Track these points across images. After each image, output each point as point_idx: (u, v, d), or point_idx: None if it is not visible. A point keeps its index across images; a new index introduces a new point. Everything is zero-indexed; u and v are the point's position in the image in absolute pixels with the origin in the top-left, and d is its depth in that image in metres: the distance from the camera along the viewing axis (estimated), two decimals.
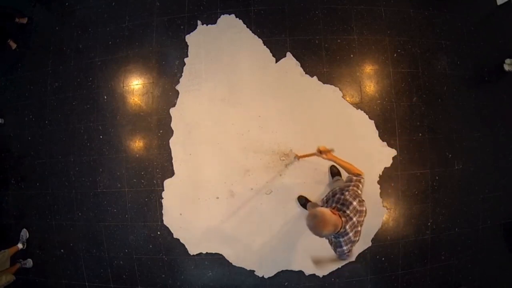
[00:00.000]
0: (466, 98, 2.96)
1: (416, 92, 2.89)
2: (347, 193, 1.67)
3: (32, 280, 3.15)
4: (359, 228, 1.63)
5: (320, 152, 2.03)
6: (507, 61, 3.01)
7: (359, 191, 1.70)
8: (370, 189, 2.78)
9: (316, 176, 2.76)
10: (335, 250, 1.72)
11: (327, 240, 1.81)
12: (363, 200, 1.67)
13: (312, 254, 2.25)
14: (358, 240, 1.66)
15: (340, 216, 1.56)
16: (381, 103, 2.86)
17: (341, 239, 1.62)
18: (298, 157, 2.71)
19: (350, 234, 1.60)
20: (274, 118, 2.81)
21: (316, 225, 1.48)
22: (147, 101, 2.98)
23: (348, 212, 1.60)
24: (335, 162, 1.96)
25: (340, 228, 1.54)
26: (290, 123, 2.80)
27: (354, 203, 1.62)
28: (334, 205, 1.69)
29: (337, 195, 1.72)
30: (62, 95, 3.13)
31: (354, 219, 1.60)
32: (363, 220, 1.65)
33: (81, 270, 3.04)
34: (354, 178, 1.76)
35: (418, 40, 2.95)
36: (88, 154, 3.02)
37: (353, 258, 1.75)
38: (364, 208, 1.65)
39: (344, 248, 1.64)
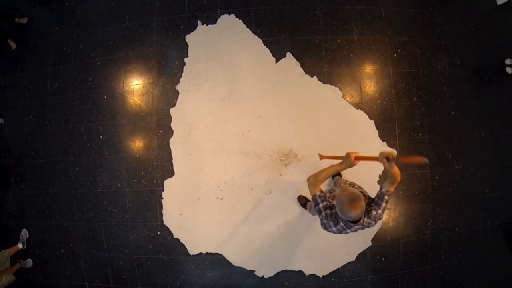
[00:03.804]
0: (466, 98, 2.96)
1: (416, 92, 2.89)
2: (374, 212, 1.62)
3: (32, 280, 3.15)
4: (352, 230, 1.63)
5: (387, 160, 1.59)
6: (507, 61, 3.01)
7: (383, 214, 1.67)
8: (370, 189, 2.76)
9: None
10: (322, 223, 1.68)
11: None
12: (380, 219, 1.66)
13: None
14: (338, 233, 1.68)
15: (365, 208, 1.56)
16: (381, 103, 2.86)
17: (340, 221, 1.61)
18: (321, 157, 2.36)
19: (346, 232, 1.63)
20: (274, 118, 2.81)
21: (349, 203, 1.46)
22: (147, 101, 2.98)
23: (365, 220, 1.59)
24: (392, 173, 1.60)
25: (360, 218, 1.54)
26: (290, 123, 2.80)
27: (373, 222, 1.63)
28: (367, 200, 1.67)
29: (369, 201, 1.68)
30: (62, 95, 3.13)
31: (359, 227, 1.61)
32: (359, 228, 1.64)
33: (81, 270, 3.04)
34: (387, 196, 1.63)
35: (418, 40, 2.95)
36: (88, 154, 3.02)
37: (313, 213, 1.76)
38: (373, 223, 1.64)
39: (329, 230, 1.66)
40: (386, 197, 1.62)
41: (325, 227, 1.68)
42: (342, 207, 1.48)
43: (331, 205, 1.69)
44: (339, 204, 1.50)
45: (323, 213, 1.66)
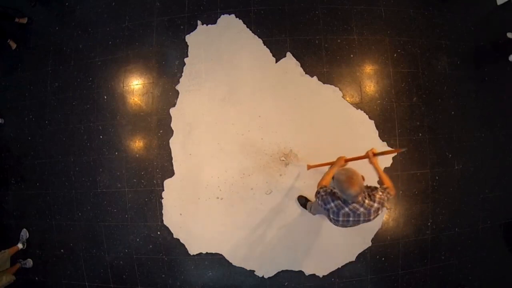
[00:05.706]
0: (466, 98, 2.96)
1: (416, 92, 2.89)
2: (380, 193, 1.66)
3: (32, 280, 3.15)
4: (351, 222, 1.64)
5: (373, 154, 1.92)
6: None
7: (386, 202, 1.68)
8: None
9: (316, 176, 2.75)
10: (321, 199, 1.68)
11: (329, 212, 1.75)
12: (379, 213, 1.67)
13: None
14: (336, 223, 1.69)
15: (364, 191, 1.58)
16: (381, 103, 2.86)
17: (337, 202, 1.62)
18: (308, 167, 2.70)
19: (344, 211, 1.61)
20: (274, 118, 2.81)
21: (347, 180, 1.47)
22: (147, 101, 2.98)
23: (366, 201, 1.60)
24: (377, 169, 1.90)
25: (359, 198, 1.55)
26: (290, 123, 2.80)
27: (375, 204, 1.62)
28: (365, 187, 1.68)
29: (372, 187, 1.72)
30: (62, 95, 3.13)
31: (361, 210, 1.60)
32: (360, 221, 1.64)
33: (81, 270, 3.04)
34: (388, 189, 1.73)
35: (418, 40, 2.95)
36: (88, 154, 3.02)
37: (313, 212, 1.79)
38: (372, 217, 1.65)
39: (328, 206, 1.64)
40: (379, 190, 1.70)
41: (324, 202, 1.67)
42: (341, 184, 1.50)
43: (331, 189, 1.73)
44: (338, 183, 1.52)
45: (322, 192, 1.69)
